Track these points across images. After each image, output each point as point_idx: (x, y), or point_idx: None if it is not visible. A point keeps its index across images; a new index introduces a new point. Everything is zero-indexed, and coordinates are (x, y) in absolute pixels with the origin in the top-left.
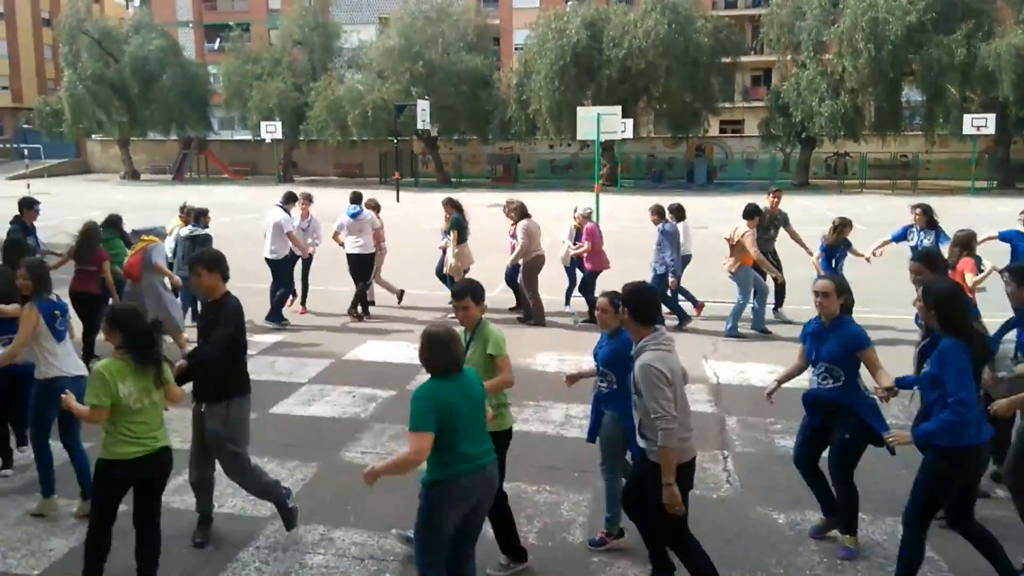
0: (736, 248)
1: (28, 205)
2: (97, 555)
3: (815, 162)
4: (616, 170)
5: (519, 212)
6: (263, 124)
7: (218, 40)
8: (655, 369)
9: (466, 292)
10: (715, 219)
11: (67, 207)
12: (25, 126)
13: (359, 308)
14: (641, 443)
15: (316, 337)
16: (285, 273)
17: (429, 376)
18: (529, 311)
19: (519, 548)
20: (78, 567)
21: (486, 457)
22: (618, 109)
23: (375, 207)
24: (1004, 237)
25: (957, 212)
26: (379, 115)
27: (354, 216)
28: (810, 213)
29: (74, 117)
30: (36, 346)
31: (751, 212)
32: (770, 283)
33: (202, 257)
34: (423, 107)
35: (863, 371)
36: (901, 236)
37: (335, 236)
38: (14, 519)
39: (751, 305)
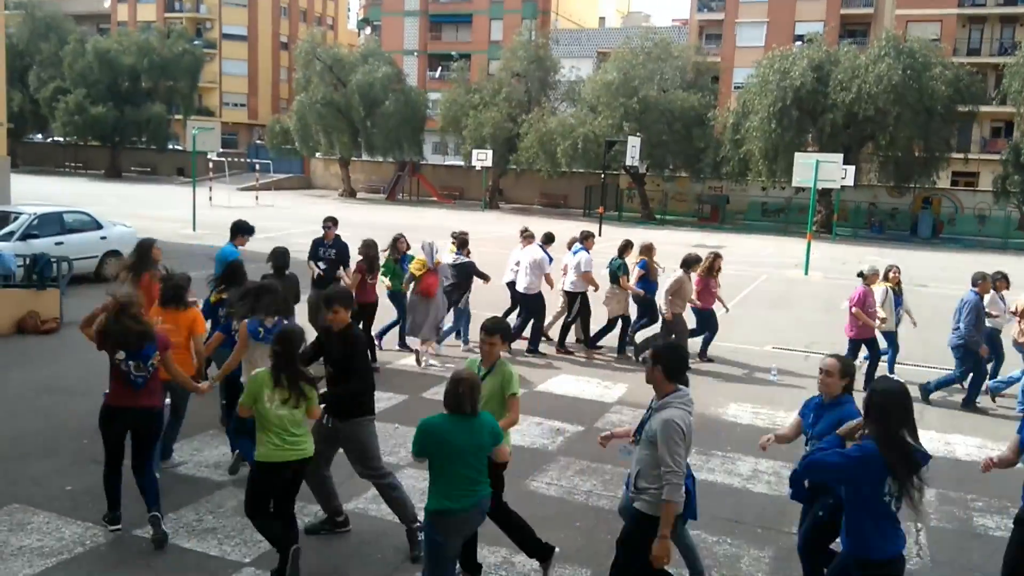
0: None
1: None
2: None
3: None
4: (832, 217)
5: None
6: (475, 152)
7: (439, 69)
8: (677, 425)
9: (497, 330)
10: (940, 278)
11: (294, 220)
12: (258, 142)
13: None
14: (631, 493)
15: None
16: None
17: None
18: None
19: (543, 546)
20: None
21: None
22: (839, 157)
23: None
24: None
25: None
26: (589, 148)
27: (575, 254)
28: None
29: (303, 137)
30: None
31: None
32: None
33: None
34: (634, 143)
35: None
36: None
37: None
38: (231, 509)
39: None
